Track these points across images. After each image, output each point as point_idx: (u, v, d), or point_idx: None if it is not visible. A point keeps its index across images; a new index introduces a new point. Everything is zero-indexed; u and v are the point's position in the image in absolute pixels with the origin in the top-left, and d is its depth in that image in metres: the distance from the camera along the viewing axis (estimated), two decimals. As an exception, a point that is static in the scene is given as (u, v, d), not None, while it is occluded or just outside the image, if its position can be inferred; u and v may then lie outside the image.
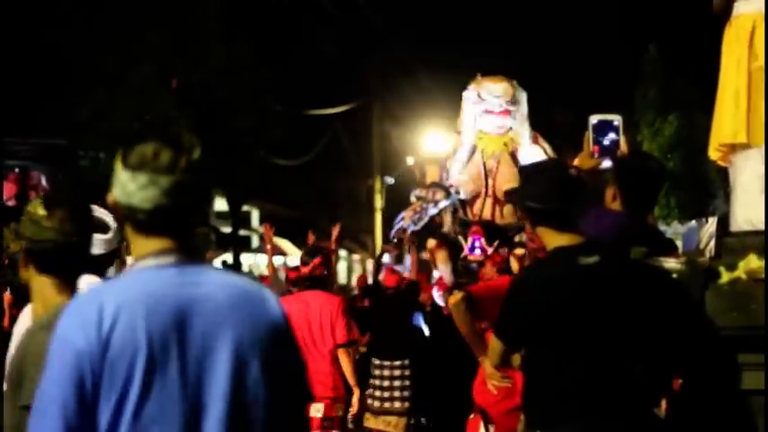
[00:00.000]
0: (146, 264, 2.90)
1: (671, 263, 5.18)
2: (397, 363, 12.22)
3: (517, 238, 12.95)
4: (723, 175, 7.31)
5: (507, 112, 14.68)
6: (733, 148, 5.82)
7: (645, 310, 4.80)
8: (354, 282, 26.64)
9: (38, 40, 23.18)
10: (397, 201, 38.89)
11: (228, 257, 31.33)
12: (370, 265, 39.53)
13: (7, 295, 9.66)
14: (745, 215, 5.74)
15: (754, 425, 5.12)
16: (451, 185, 14.79)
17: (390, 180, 37.29)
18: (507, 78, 14.95)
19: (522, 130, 14.86)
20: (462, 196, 14.80)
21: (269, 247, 12.71)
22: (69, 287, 3.84)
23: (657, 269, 5.09)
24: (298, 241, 48.99)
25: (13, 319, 6.15)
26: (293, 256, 49.19)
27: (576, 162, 5.57)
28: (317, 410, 8.81)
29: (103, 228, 4.75)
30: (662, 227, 18.32)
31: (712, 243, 6.05)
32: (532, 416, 4.85)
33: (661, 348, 5.07)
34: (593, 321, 4.67)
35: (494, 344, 5.00)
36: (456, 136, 15.26)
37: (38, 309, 3.88)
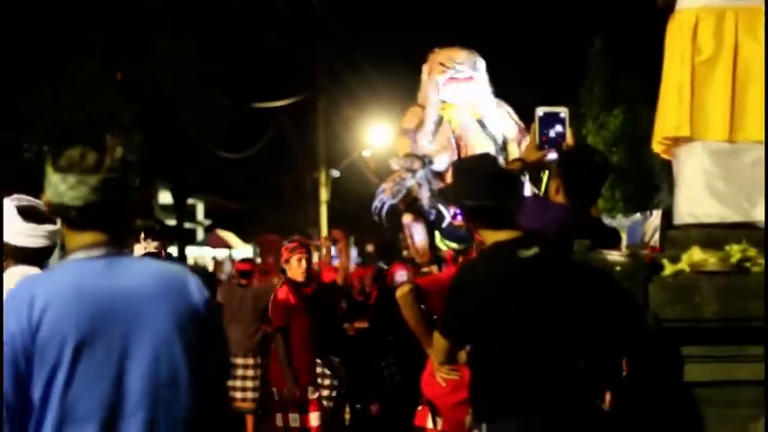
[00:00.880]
0: (77, 256, 3.25)
1: (614, 255, 5.21)
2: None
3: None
4: (668, 168, 7.35)
5: (471, 78, 14.60)
6: (676, 142, 5.85)
7: (585, 302, 4.84)
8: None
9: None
10: (342, 193, 38.96)
11: (173, 250, 31.16)
12: (315, 257, 39.49)
13: None
14: (688, 208, 5.78)
15: (698, 416, 5.16)
16: (424, 155, 14.67)
17: (336, 173, 37.27)
18: (466, 48, 14.86)
19: (486, 96, 14.79)
20: (435, 167, 14.67)
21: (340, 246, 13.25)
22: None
23: (598, 261, 5.13)
24: (243, 234, 48.97)
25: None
26: (239, 248, 49.18)
27: (521, 154, 5.59)
28: None
29: (51, 219, 4.72)
30: (607, 220, 18.42)
31: (657, 236, 6.09)
32: (479, 409, 4.87)
33: (603, 340, 5.12)
34: (535, 314, 4.70)
35: (439, 342, 5.01)
36: (418, 109, 15.08)
37: None
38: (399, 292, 6.33)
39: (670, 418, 5.19)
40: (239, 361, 12.30)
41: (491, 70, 14.56)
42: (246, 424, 12.41)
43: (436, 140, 14.70)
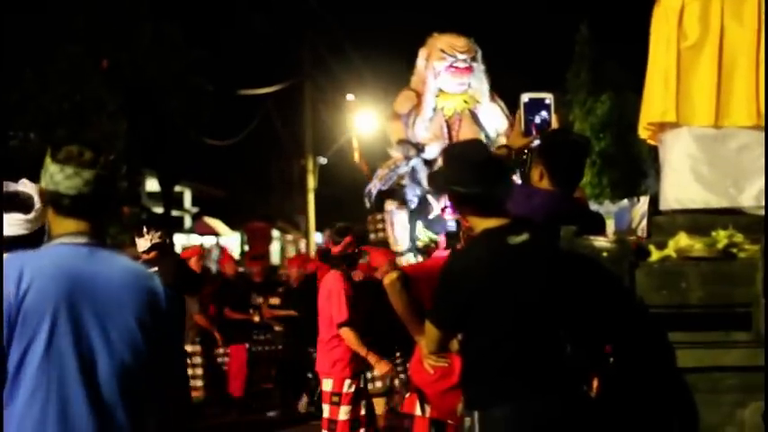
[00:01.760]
0: (62, 240, 3.62)
1: (601, 241, 5.20)
2: None
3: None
4: (655, 154, 7.34)
5: (470, 68, 14.49)
6: (662, 127, 5.85)
7: (574, 288, 4.83)
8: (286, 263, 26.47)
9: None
10: (330, 180, 38.92)
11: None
12: (303, 245, 39.48)
13: None
14: (674, 194, 5.78)
15: (689, 403, 5.16)
16: (419, 143, 14.57)
17: (323, 160, 37.22)
18: (465, 35, 14.72)
19: (482, 88, 14.68)
20: (426, 155, 14.58)
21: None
22: None
23: (585, 247, 5.12)
24: (230, 221, 48.95)
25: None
26: (225, 236, 49.16)
27: (507, 141, 5.57)
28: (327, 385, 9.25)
29: (26, 208, 4.69)
30: (594, 206, 18.42)
31: (644, 222, 6.08)
32: (470, 396, 4.87)
33: (590, 326, 5.11)
34: (525, 301, 4.69)
35: (431, 332, 4.99)
36: (411, 93, 14.92)
37: None
38: (387, 280, 6.31)
39: (656, 404, 5.19)
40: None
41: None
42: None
43: (430, 129, 14.64)
